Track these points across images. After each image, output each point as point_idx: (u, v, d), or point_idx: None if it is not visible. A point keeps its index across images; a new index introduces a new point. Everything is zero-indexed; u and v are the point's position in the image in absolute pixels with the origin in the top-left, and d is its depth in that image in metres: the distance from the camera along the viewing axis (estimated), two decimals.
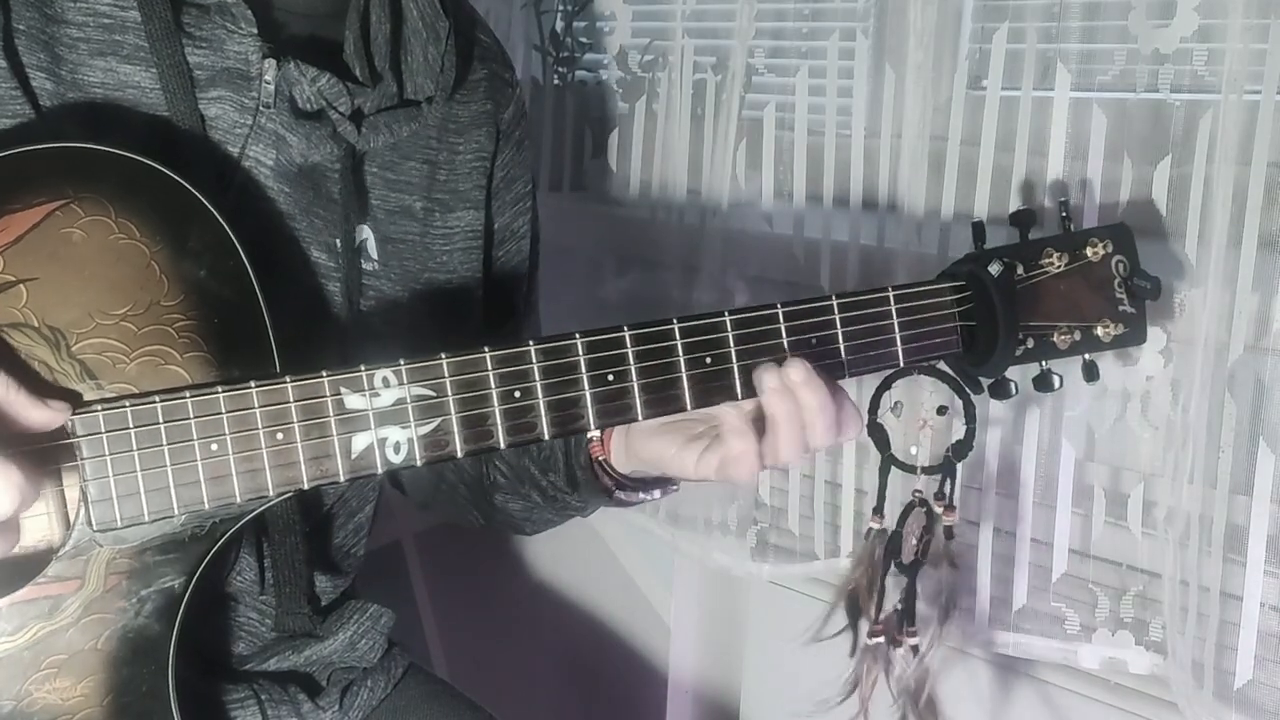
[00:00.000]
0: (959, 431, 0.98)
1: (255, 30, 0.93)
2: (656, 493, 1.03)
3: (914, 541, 1.00)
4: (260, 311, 0.86)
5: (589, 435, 0.99)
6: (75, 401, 0.81)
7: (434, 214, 1.07)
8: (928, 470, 0.99)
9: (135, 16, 0.92)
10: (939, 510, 1.00)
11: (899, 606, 1.00)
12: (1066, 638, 1.31)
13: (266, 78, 0.94)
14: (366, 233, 1.02)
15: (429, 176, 1.06)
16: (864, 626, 1.02)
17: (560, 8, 1.77)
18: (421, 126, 1.04)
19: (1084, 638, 1.30)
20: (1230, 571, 1.16)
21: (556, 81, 1.79)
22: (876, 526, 1.02)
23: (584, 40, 1.77)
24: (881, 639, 1.00)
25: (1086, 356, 0.98)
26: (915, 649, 0.99)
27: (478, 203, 1.10)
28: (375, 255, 1.02)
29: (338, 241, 0.98)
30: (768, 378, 0.89)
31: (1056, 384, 0.97)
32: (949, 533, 1.00)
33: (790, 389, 0.89)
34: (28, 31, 0.89)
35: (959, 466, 0.98)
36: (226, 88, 0.94)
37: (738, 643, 1.73)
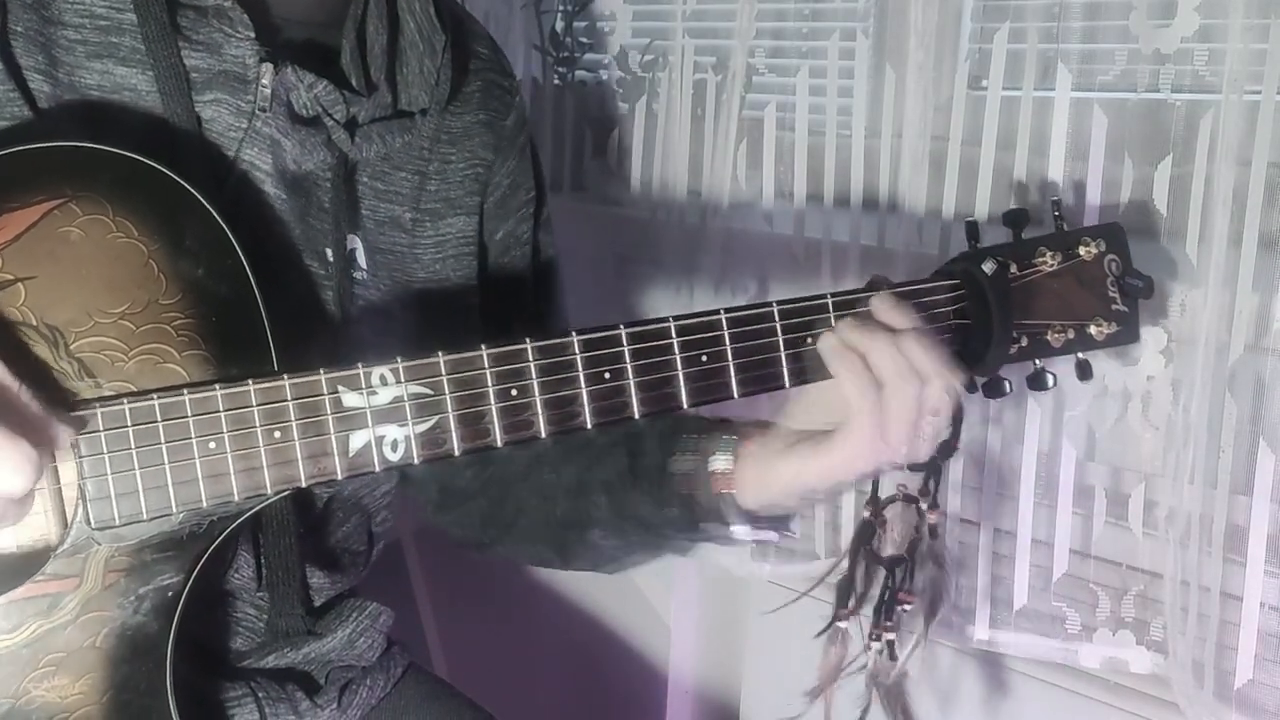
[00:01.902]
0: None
1: (253, 34, 0.93)
2: (772, 534, 0.99)
3: (895, 536, 1.00)
4: (258, 310, 0.86)
5: (711, 469, 0.97)
6: (73, 400, 0.81)
7: (424, 224, 1.06)
8: (913, 467, 0.99)
9: (131, 19, 0.91)
10: (924, 506, 0.99)
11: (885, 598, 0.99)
12: (1067, 637, 1.31)
13: (264, 81, 0.94)
14: (356, 242, 1.01)
15: (419, 187, 1.06)
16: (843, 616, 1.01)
17: (560, 8, 1.78)
18: (414, 138, 1.04)
19: (1085, 637, 1.30)
20: (1230, 571, 1.16)
21: (556, 81, 1.79)
22: (867, 515, 1.02)
23: (584, 40, 1.77)
24: (846, 624, 0.99)
25: (1080, 355, 0.98)
26: (891, 645, 0.98)
27: (470, 209, 1.10)
28: (364, 265, 1.02)
29: (329, 251, 0.98)
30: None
31: (1050, 382, 0.97)
32: (933, 531, 1.00)
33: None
34: (25, 33, 0.89)
35: (944, 465, 0.98)
36: (222, 90, 0.94)
37: (738, 643, 1.73)
